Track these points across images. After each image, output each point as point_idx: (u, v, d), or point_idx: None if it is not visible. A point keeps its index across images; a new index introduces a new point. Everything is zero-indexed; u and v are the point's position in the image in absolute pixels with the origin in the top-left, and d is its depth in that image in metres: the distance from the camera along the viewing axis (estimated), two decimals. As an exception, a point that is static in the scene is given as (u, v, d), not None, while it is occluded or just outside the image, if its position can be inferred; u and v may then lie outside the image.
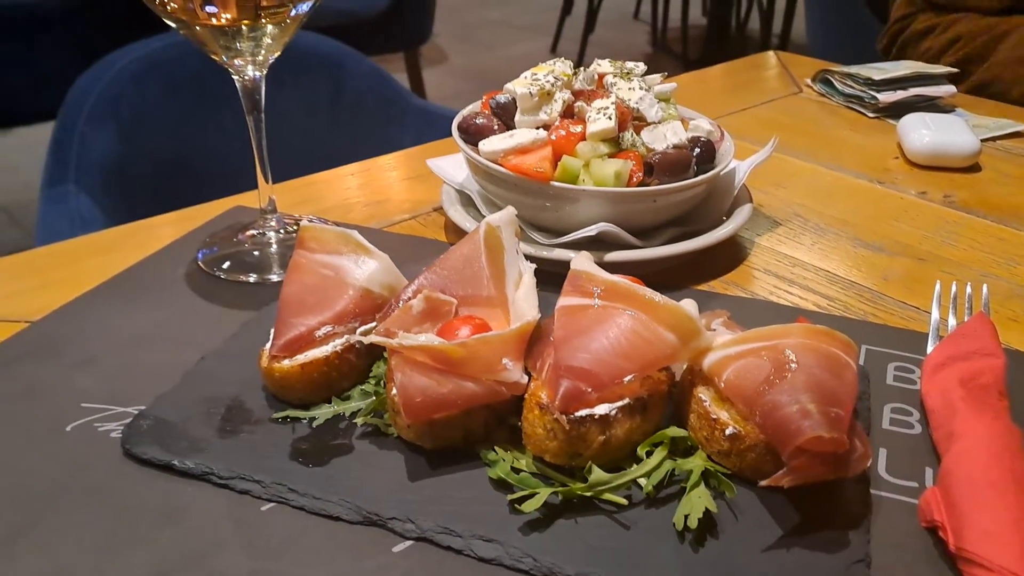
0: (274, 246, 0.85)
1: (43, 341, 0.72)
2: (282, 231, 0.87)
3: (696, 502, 0.54)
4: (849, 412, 0.55)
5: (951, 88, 1.32)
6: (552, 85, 0.84)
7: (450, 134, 0.89)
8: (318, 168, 1.11)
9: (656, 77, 0.93)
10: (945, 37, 1.68)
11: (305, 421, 0.62)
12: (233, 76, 0.78)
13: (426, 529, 0.53)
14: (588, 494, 0.55)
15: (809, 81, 1.46)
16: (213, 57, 0.77)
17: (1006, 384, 0.63)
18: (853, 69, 1.39)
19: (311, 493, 0.56)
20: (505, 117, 0.86)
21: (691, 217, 0.88)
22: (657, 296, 0.60)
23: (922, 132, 1.15)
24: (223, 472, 0.57)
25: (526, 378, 0.60)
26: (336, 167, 1.12)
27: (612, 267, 0.68)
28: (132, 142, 1.50)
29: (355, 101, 1.72)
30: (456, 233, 0.90)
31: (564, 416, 0.55)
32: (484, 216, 0.72)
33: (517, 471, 0.57)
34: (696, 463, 0.57)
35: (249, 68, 0.77)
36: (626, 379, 0.57)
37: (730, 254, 0.90)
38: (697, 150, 0.84)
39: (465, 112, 0.91)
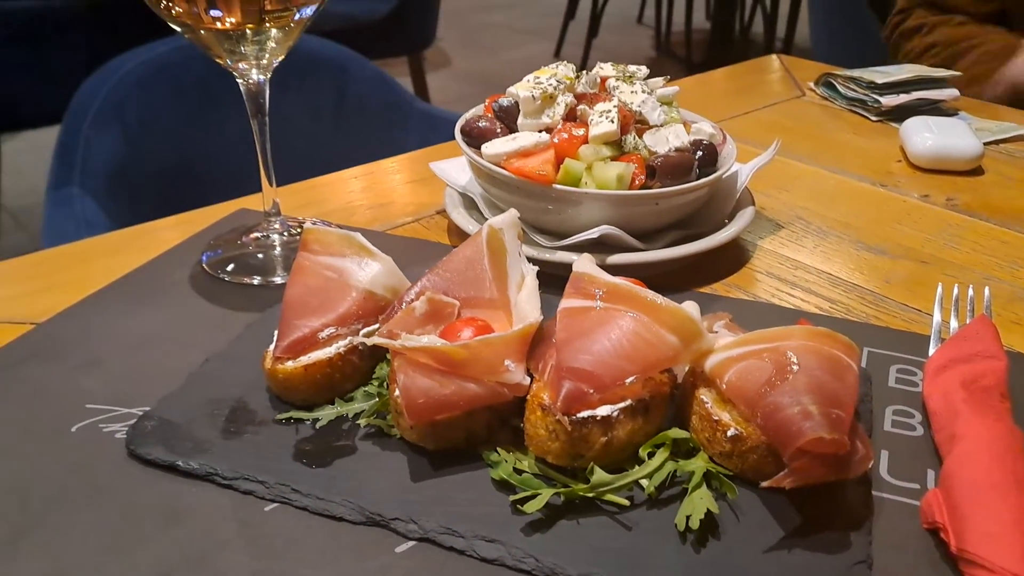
0: (278, 249, 0.86)
1: (48, 343, 0.72)
2: (286, 234, 0.87)
3: (698, 503, 0.54)
4: (850, 414, 0.55)
5: (954, 92, 1.32)
6: (555, 88, 0.84)
7: (453, 137, 0.89)
8: (322, 172, 1.11)
9: (658, 80, 0.93)
10: (925, 41, 1.71)
11: (308, 422, 0.62)
12: (237, 80, 0.79)
13: (429, 530, 0.54)
14: (590, 495, 0.55)
15: (812, 85, 1.47)
16: (218, 61, 0.77)
17: (1008, 386, 0.63)
18: (856, 73, 1.39)
19: (314, 494, 0.56)
20: (508, 120, 0.86)
21: (693, 220, 0.88)
22: (659, 298, 0.60)
23: (925, 135, 1.15)
24: (227, 473, 0.58)
25: (528, 379, 0.60)
26: (340, 170, 1.12)
27: (614, 270, 0.69)
28: (137, 146, 1.51)
29: (359, 105, 1.73)
30: (459, 236, 0.90)
31: (566, 417, 0.55)
32: (487, 219, 0.72)
33: (519, 472, 0.57)
34: (698, 464, 0.57)
35: (253, 72, 0.78)
36: (628, 381, 0.57)
37: (732, 257, 0.90)
38: (699, 153, 0.84)
39: (468, 115, 0.91)
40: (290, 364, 0.63)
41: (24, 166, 3.32)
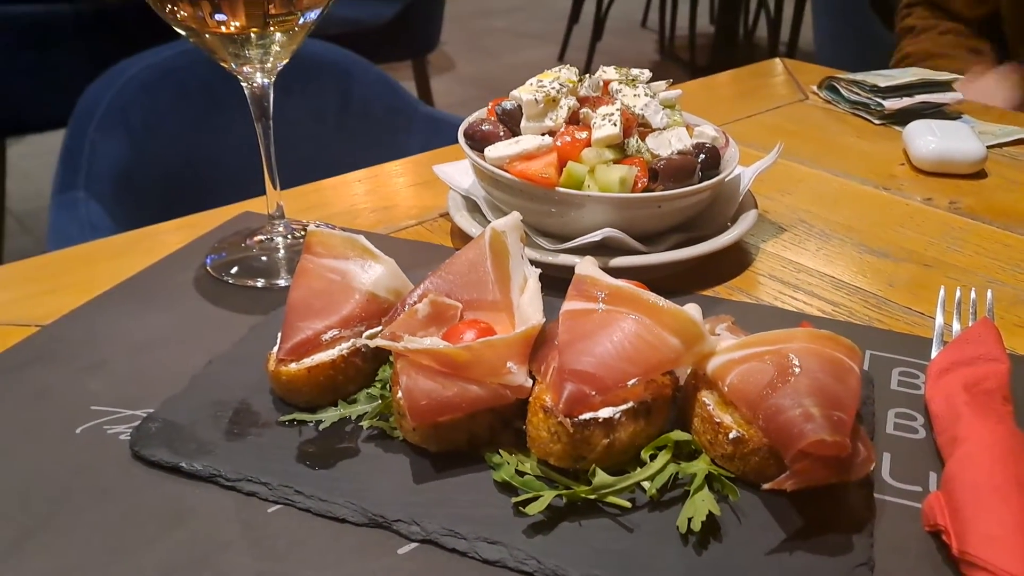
0: (282, 251, 0.86)
1: (53, 345, 0.73)
2: (290, 236, 0.87)
3: (700, 505, 0.54)
4: (852, 416, 0.55)
5: (957, 95, 1.32)
6: (558, 92, 0.85)
7: (457, 141, 0.90)
8: (326, 175, 1.12)
9: (661, 84, 0.93)
10: (906, 49, 1.73)
11: (311, 424, 0.63)
12: (242, 83, 0.79)
13: (431, 531, 0.54)
14: (592, 497, 0.55)
15: (815, 88, 1.47)
16: (222, 64, 0.78)
17: (1010, 389, 0.63)
18: (859, 76, 1.39)
19: (317, 495, 0.56)
20: (511, 123, 0.86)
21: (696, 223, 0.88)
22: (661, 300, 0.60)
23: (928, 139, 1.15)
24: (230, 474, 0.58)
25: (530, 382, 0.60)
26: (343, 174, 1.13)
27: (617, 272, 0.69)
28: (142, 149, 1.51)
29: (363, 109, 1.73)
30: (462, 239, 0.91)
31: (568, 419, 0.55)
32: (490, 222, 0.73)
33: (521, 474, 0.57)
34: (700, 467, 0.57)
35: (258, 75, 0.78)
36: (630, 383, 0.57)
37: (735, 260, 0.90)
38: (702, 156, 0.85)
39: (471, 119, 0.91)
40: (293, 366, 0.63)
41: (29, 170, 3.33)
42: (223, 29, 0.73)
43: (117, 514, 0.55)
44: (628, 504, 0.55)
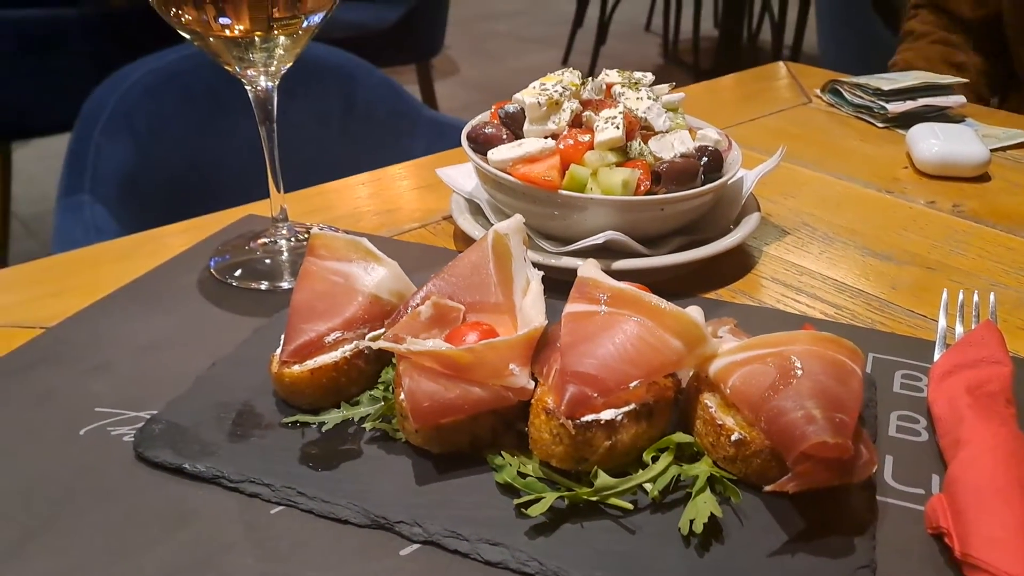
0: (285, 254, 0.86)
1: (58, 347, 0.73)
2: (293, 239, 0.88)
3: (701, 507, 0.54)
4: (854, 418, 0.55)
5: (960, 98, 1.32)
6: (560, 95, 0.85)
7: (460, 144, 0.90)
8: (330, 178, 1.12)
9: (664, 87, 0.93)
10: (896, 56, 1.74)
11: (314, 426, 0.63)
12: (246, 87, 0.80)
13: (433, 533, 0.54)
14: (594, 499, 0.55)
15: (818, 91, 1.47)
16: (226, 68, 0.78)
17: (1013, 392, 0.63)
18: (862, 79, 1.39)
19: (320, 497, 0.56)
20: (514, 127, 0.87)
21: (699, 226, 0.88)
22: (663, 303, 0.60)
23: (931, 142, 1.15)
24: (233, 476, 0.58)
25: (533, 383, 0.60)
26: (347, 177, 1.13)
27: (620, 275, 0.69)
28: (147, 153, 1.52)
29: (367, 112, 1.74)
30: (465, 241, 0.91)
31: (570, 421, 0.56)
32: (493, 224, 0.73)
33: (523, 475, 0.57)
34: (702, 468, 0.57)
35: (262, 79, 0.79)
36: (632, 385, 0.57)
37: (738, 263, 0.90)
38: (704, 159, 0.85)
39: (474, 122, 0.92)
40: (296, 368, 0.63)
41: (35, 174, 3.34)
42: (227, 32, 0.73)
43: (120, 515, 0.56)
44: (630, 506, 0.55)
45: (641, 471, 0.57)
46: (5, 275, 0.88)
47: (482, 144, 0.87)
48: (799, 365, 0.57)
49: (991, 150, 1.16)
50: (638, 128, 0.85)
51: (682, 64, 5.42)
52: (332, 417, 0.63)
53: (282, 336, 0.66)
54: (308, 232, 0.87)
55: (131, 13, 2.68)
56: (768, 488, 0.54)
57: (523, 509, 0.55)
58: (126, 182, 1.46)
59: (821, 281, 0.87)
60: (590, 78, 0.93)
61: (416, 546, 0.54)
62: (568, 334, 0.60)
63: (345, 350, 0.65)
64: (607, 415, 0.57)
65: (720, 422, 0.58)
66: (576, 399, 0.56)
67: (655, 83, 0.93)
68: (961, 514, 0.53)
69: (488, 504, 0.56)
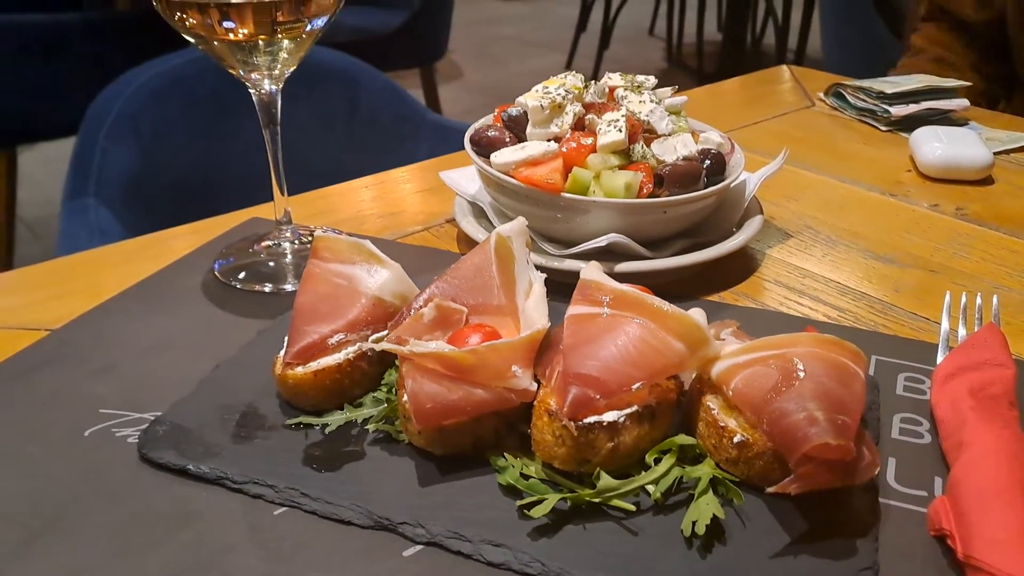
0: (289, 257, 0.87)
1: (63, 349, 0.73)
2: (297, 242, 0.88)
3: (704, 509, 0.54)
4: (857, 420, 0.55)
5: (964, 101, 1.32)
6: (563, 98, 0.85)
7: (463, 147, 0.90)
8: (334, 182, 1.12)
9: (667, 90, 0.94)
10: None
11: (318, 427, 0.63)
12: (250, 90, 0.80)
13: (436, 534, 0.54)
14: (596, 500, 0.55)
15: (821, 95, 1.47)
16: (231, 71, 0.78)
17: (1016, 394, 0.63)
18: (865, 83, 1.39)
19: (323, 498, 0.57)
20: (517, 130, 0.87)
21: (701, 229, 0.89)
22: (665, 305, 0.60)
23: (934, 145, 1.15)
24: (237, 477, 0.58)
25: (535, 385, 0.60)
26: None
27: (622, 278, 0.69)
28: (151, 156, 1.52)
29: (371, 116, 1.74)
30: (468, 244, 0.91)
31: (573, 423, 0.56)
32: (496, 227, 0.73)
33: (526, 477, 0.57)
34: (704, 470, 0.57)
35: (266, 82, 0.79)
36: (634, 387, 0.57)
37: (741, 265, 0.90)
38: (707, 162, 0.85)
39: (477, 125, 0.92)
40: (300, 370, 0.64)
41: (39, 178, 3.35)
42: (231, 36, 0.74)
43: (125, 516, 0.56)
44: (632, 507, 0.55)
45: (643, 473, 0.57)
46: (10, 278, 0.89)
47: (485, 147, 0.87)
48: (801, 367, 0.57)
49: (994, 153, 1.16)
50: (641, 131, 0.85)
51: (686, 68, 5.42)
52: (335, 419, 0.63)
53: (286, 338, 0.66)
54: (312, 235, 0.88)
55: (135, 17, 2.69)
56: (770, 490, 0.54)
57: (526, 510, 0.55)
58: (131, 185, 1.46)
59: (824, 284, 0.87)
60: (593, 81, 0.93)
61: (419, 547, 0.54)
62: (570, 336, 0.60)
63: (348, 352, 0.65)
64: (609, 417, 0.57)
65: (723, 424, 0.58)
66: (578, 401, 0.56)
67: (658, 86, 0.93)
68: (964, 516, 0.53)
69: (491, 505, 0.56)
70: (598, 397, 0.56)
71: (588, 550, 0.53)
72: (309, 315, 0.66)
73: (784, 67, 1.67)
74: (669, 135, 0.86)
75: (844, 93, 1.42)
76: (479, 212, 0.93)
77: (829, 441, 0.52)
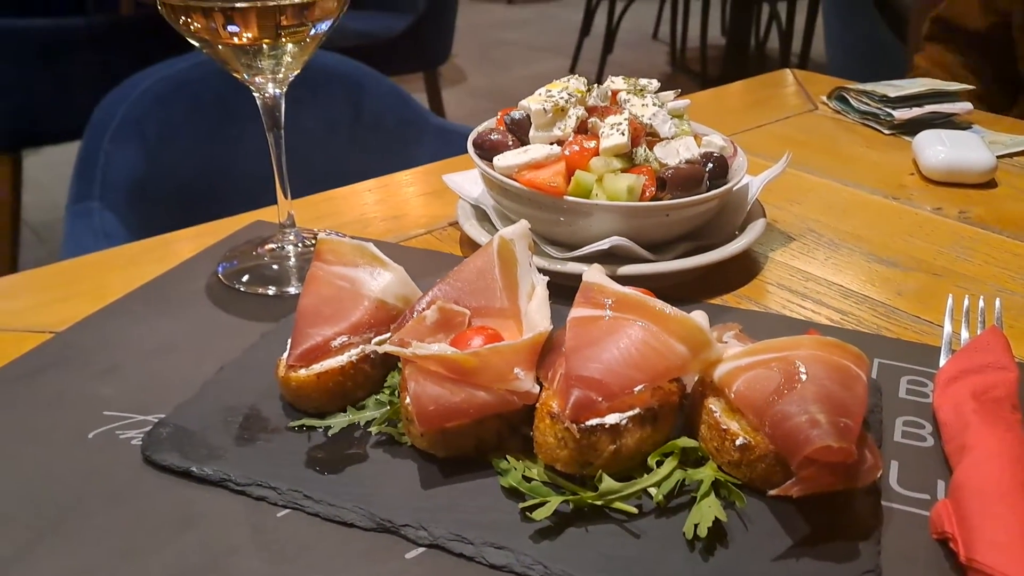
0: (292, 260, 0.87)
1: (67, 351, 0.74)
2: (300, 245, 0.88)
3: (706, 511, 0.54)
4: (859, 423, 0.55)
5: (967, 105, 1.32)
6: (566, 101, 0.85)
7: (466, 151, 0.90)
8: (338, 185, 1.13)
9: (669, 94, 0.94)
10: None
11: (320, 430, 0.63)
12: (254, 94, 0.80)
13: (438, 536, 0.54)
14: (599, 503, 0.55)
15: (825, 98, 1.47)
16: (235, 75, 0.79)
17: (1019, 397, 0.63)
18: (868, 86, 1.39)
19: (326, 500, 0.57)
20: (519, 133, 0.87)
21: (704, 232, 0.89)
22: (668, 308, 0.60)
23: (938, 148, 1.15)
24: (240, 479, 0.58)
25: (538, 388, 0.60)
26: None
27: (625, 281, 0.69)
28: (156, 160, 1.53)
29: (375, 120, 1.75)
30: (471, 247, 0.91)
31: (575, 425, 0.56)
32: (498, 230, 0.73)
33: (528, 480, 0.57)
34: (706, 473, 0.57)
35: (270, 86, 0.79)
36: (636, 389, 0.57)
37: (743, 268, 0.90)
38: (710, 165, 0.85)
39: (480, 128, 0.92)
40: (303, 372, 0.64)
41: (45, 181, 3.36)
42: (236, 40, 0.74)
43: (128, 518, 0.56)
44: (634, 510, 0.55)
45: (646, 475, 0.57)
46: (15, 280, 0.89)
47: (488, 151, 0.87)
48: (803, 370, 0.57)
49: (997, 157, 1.16)
50: (643, 134, 0.85)
51: (689, 72, 5.42)
52: (338, 421, 0.63)
53: (289, 341, 0.66)
54: (315, 238, 0.88)
55: (140, 22, 2.70)
56: (772, 492, 0.54)
57: (528, 513, 0.55)
58: (135, 189, 1.47)
59: (827, 287, 0.87)
60: (596, 85, 0.93)
61: (421, 549, 0.54)
62: (573, 339, 0.60)
63: (351, 354, 0.65)
64: (611, 419, 0.57)
65: (725, 427, 0.58)
66: (581, 403, 0.56)
67: (660, 90, 0.93)
68: (966, 519, 0.53)
69: (493, 508, 0.56)
70: (600, 400, 0.56)
71: (590, 552, 0.53)
72: (312, 318, 0.66)
73: (787, 71, 1.67)
74: (672, 138, 0.86)
75: (847, 97, 1.42)
76: (482, 215, 0.93)
77: (831, 444, 0.52)
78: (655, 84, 0.93)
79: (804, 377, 0.57)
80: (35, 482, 0.59)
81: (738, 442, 0.57)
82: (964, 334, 0.75)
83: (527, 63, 5.71)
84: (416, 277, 0.72)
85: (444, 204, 1.05)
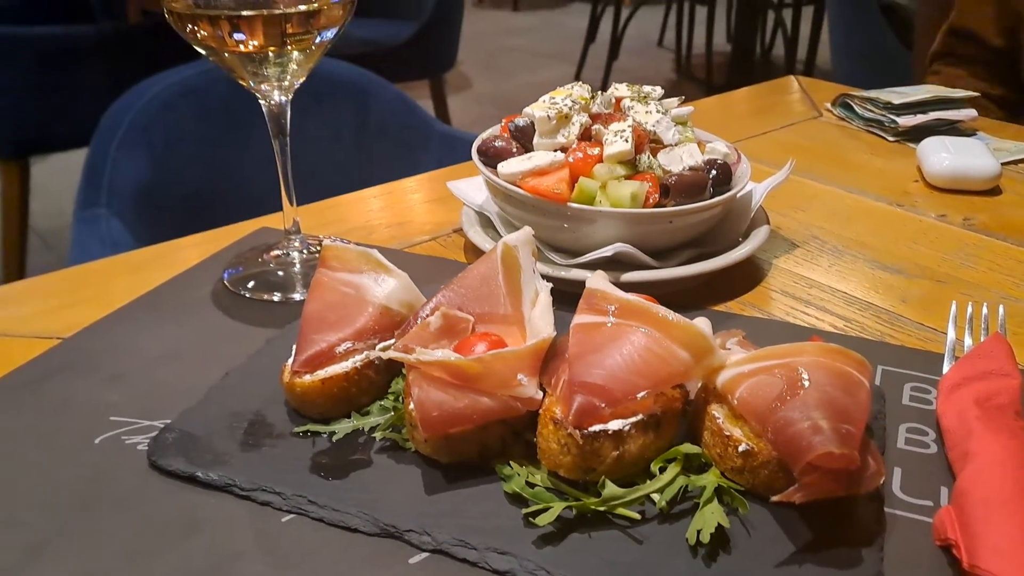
0: (298, 266, 0.87)
1: (74, 357, 0.74)
2: (305, 251, 0.89)
3: (709, 518, 0.54)
4: (861, 429, 0.56)
5: (972, 112, 1.32)
6: (570, 108, 0.86)
7: (471, 158, 0.91)
8: (343, 192, 1.13)
9: (673, 101, 0.94)
10: None
11: (325, 435, 0.63)
12: (260, 101, 0.81)
13: (442, 541, 0.54)
14: (602, 509, 0.56)
15: (829, 105, 1.47)
16: (241, 82, 0.79)
17: (1022, 404, 0.63)
18: (873, 93, 1.39)
19: (330, 505, 0.57)
20: (523, 140, 0.88)
21: (708, 238, 0.89)
22: (670, 314, 0.61)
23: (942, 155, 1.15)
24: (245, 484, 0.59)
25: (541, 394, 0.61)
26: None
27: (629, 287, 0.69)
28: (163, 167, 1.54)
29: (380, 127, 1.75)
30: (475, 254, 0.92)
31: (578, 431, 0.56)
32: (502, 237, 0.73)
33: (532, 485, 0.57)
34: (709, 479, 0.57)
35: (275, 93, 0.80)
36: (639, 395, 0.58)
37: (747, 275, 0.90)
38: (713, 172, 0.85)
39: (484, 135, 0.92)
40: (308, 378, 0.64)
41: (52, 188, 3.38)
42: (242, 48, 0.75)
43: (134, 522, 0.56)
44: (638, 516, 0.56)
45: (649, 481, 0.57)
46: (23, 287, 0.90)
47: (492, 157, 0.88)
48: (806, 376, 0.57)
49: (1002, 163, 1.16)
50: (647, 141, 0.86)
51: (695, 79, 5.43)
52: (342, 427, 0.64)
53: (294, 347, 0.66)
54: (320, 244, 0.88)
55: (147, 30, 2.71)
56: (775, 499, 0.54)
57: (531, 518, 0.55)
58: (142, 196, 1.48)
59: (830, 294, 0.88)
60: (600, 92, 0.94)
61: (425, 555, 0.54)
62: (576, 345, 0.60)
63: (356, 360, 0.65)
64: (615, 425, 0.57)
65: (728, 433, 0.58)
66: (584, 409, 0.56)
67: (664, 97, 0.93)
68: (969, 526, 0.53)
69: (496, 513, 0.57)
70: (603, 406, 0.57)
71: (593, 558, 0.53)
72: (317, 324, 0.67)
73: (792, 78, 1.68)
74: (675, 145, 0.86)
75: (851, 104, 1.42)
76: (486, 222, 0.94)
77: (833, 450, 0.52)
78: (659, 91, 0.93)
79: (807, 383, 0.57)
80: (42, 486, 0.60)
81: (741, 448, 0.57)
82: (968, 341, 0.75)
83: (532, 70, 5.72)
84: (420, 283, 0.72)
85: (448, 211, 1.06)
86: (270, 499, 0.58)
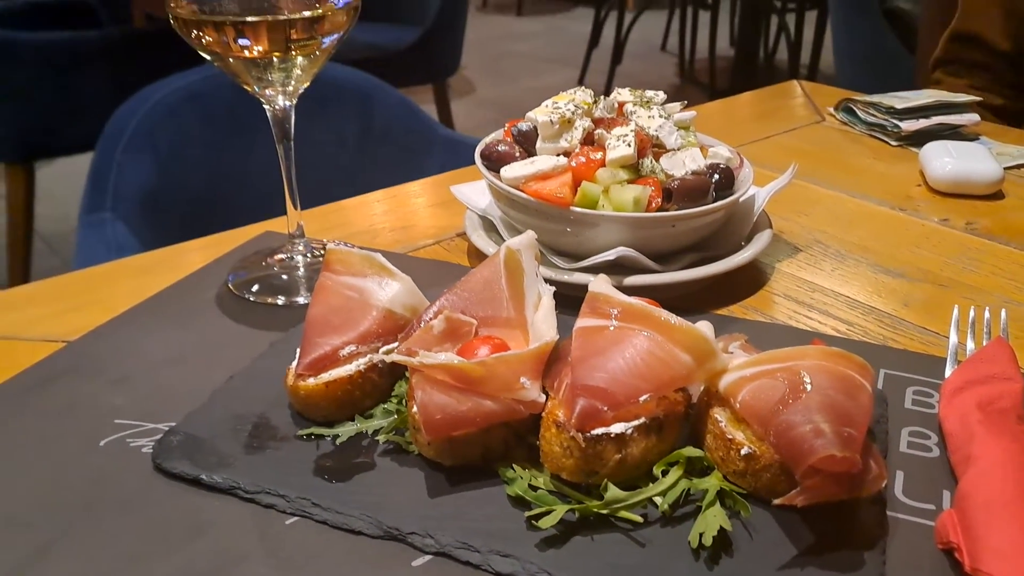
0: (302, 270, 0.88)
1: (79, 360, 0.74)
2: (309, 255, 0.89)
3: (711, 520, 0.54)
4: (863, 433, 0.56)
5: (974, 116, 1.32)
6: (573, 113, 0.86)
7: (475, 162, 0.91)
8: (347, 196, 1.14)
9: (676, 105, 0.94)
10: None
11: (329, 438, 0.64)
12: (265, 106, 0.81)
13: (445, 544, 0.54)
14: (604, 511, 0.56)
15: (832, 110, 1.47)
16: (245, 88, 0.80)
17: (1024, 408, 0.63)
18: (875, 98, 1.40)
19: (334, 508, 0.57)
20: (526, 144, 0.88)
21: (710, 243, 0.89)
22: (673, 318, 0.61)
23: (944, 160, 1.15)
24: (249, 487, 0.59)
25: (543, 397, 0.61)
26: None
27: (631, 291, 0.69)
28: (167, 171, 1.54)
29: (384, 132, 1.76)
30: (479, 258, 0.92)
31: (580, 434, 0.56)
32: (505, 241, 0.74)
33: (534, 488, 0.58)
34: (712, 482, 0.57)
35: (280, 98, 0.80)
36: (642, 399, 0.58)
37: (750, 279, 0.90)
38: (716, 176, 0.85)
39: (488, 140, 0.93)
40: (312, 381, 0.64)
41: (57, 192, 3.39)
42: (246, 54, 0.75)
43: (138, 525, 0.57)
44: (640, 519, 0.56)
45: (651, 484, 0.57)
46: (28, 290, 0.90)
47: (495, 162, 0.88)
48: (808, 380, 0.58)
49: (1005, 168, 1.16)
50: (650, 146, 0.86)
51: (698, 84, 5.43)
52: (346, 430, 0.64)
53: (298, 350, 0.67)
54: (324, 248, 0.89)
55: (152, 35, 2.72)
56: (777, 502, 0.54)
57: (534, 521, 0.55)
58: (147, 200, 1.48)
59: (833, 298, 0.88)
60: (603, 96, 0.94)
61: (428, 557, 0.54)
62: (579, 348, 0.60)
63: (359, 364, 0.66)
64: (617, 429, 0.57)
65: (730, 436, 0.58)
66: (586, 412, 0.57)
67: (667, 101, 0.94)
68: (971, 529, 0.53)
69: (499, 516, 0.57)
70: (606, 409, 0.57)
71: (596, 561, 0.54)
72: (321, 327, 0.67)
73: (795, 82, 1.68)
74: (678, 150, 0.87)
75: (854, 108, 1.42)
76: (489, 226, 0.94)
77: (835, 453, 0.52)
78: (661, 96, 0.93)
79: (809, 387, 0.57)
80: (47, 489, 0.60)
81: (743, 451, 0.57)
82: (970, 345, 0.76)
83: (536, 75, 5.73)
84: (424, 287, 0.72)
85: (452, 215, 1.06)
86: (274, 502, 0.58)
